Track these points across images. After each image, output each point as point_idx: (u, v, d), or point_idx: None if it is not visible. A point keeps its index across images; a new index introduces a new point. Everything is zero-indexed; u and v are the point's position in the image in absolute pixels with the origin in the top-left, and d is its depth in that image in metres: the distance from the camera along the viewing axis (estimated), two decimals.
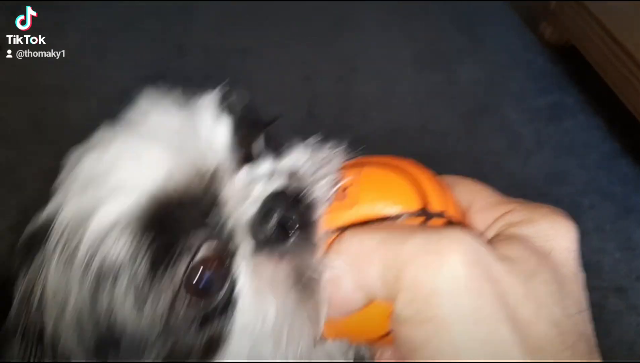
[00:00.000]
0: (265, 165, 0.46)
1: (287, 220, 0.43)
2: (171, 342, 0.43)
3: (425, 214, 0.39)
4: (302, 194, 0.44)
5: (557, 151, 2.11)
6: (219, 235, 0.44)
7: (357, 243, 0.38)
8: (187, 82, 0.52)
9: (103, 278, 0.42)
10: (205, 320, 0.43)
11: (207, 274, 0.43)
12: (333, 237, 0.40)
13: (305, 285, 0.41)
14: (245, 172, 0.46)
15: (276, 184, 0.44)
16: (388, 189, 0.40)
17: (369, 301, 0.38)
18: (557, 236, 0.39)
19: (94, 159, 0.46)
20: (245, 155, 0.49)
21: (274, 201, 0.43)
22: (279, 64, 2.36)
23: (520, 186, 1.83)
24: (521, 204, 0.42)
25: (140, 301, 0.42)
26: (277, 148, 0.50)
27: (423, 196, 0.39)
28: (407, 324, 0.36)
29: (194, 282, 0.43)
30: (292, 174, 0.45)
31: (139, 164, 0.44)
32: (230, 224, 0.44)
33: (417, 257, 0.36)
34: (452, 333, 0.34)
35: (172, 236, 0.42)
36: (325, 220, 0.41)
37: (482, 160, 2.03)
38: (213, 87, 0.52)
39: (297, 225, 0.42)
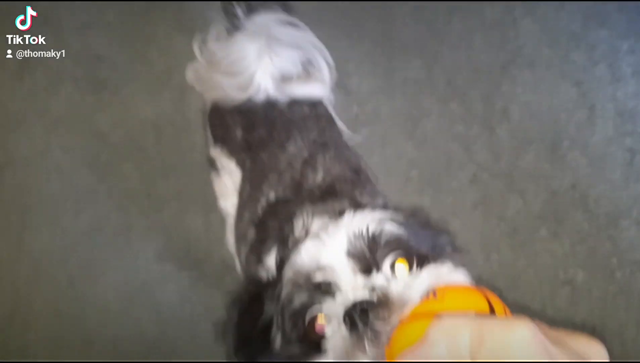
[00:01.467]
0: (373, 279, 0.76)
1: (366, 310, 0.70)
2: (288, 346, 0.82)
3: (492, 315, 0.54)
4: (385, 302, 0.70)
5: None
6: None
7: (450, 320, 0.50)
8: None
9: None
10: (315, 345, 0.77)
11: (319, 325, 0.77)
12: (422, 320, 0.54)
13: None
14: (357, 279, 0.76)
15: (367, 294, 0.73)
16: (467, 296, 0.57)
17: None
18: (593, 348, 0.50)
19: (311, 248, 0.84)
20: (367, 267, 0.78)
21: (364, 302, 0.71)
22: None
23: (555, 30, 1.84)
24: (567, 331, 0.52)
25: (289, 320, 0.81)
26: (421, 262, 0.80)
27: (491, 305, 0.55)
28: None
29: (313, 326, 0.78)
30: (386, 291, 0.73)
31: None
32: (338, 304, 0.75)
33: (498, 325, 0.47)
34: None
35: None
36: (418, 309, 0.59)
37: None
38: None
39: (371, 313, 0.69)
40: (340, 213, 0.90)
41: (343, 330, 0.72)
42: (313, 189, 1.29)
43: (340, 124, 1.63)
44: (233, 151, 1.52)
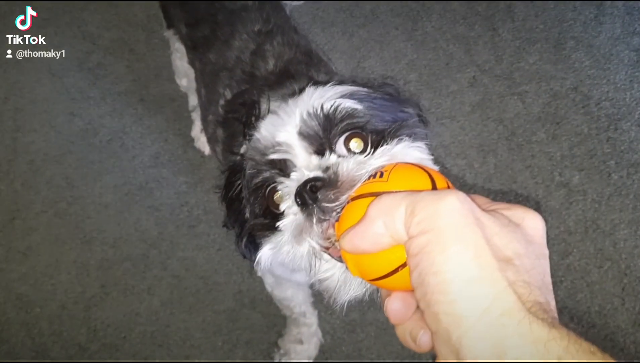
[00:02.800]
0: (325, 159, 0.76)
1: (316, 189, 0.71)
2: (253, 218, 0.87)
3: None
4: (334, 181, 0.71)
5: None
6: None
7: (388, 198, 0.52)
8: None
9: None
10: (273, 218, 0.80)
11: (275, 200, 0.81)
12: (368, 199, 0.57)
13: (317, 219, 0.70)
14: (311, 159, 0.78)
15: (318, 174, 0.74)
16: (410, 175, 0.59)
17: (394, 243, 0.51)
18: (528, 218, 0.52)
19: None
20: (321, 147, 0.79)
21: (313, 180, 0.72)
22: None
23: None
24: (506, 203, 0.55)
25: (250, 196, 0.85)
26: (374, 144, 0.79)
27: (433, 181, 0.57)
28: (414, 238, 0.49)
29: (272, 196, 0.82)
30: (335, 171, 0.73)
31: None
32: (292, 182, 0.76)
33: (429, 196, 0.50)
34: (445, 237, 0.47)
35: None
36: (365, 189, 0.61)
37: None
38: None
39: (320, 193, 0.70)
40: (301, 91, 0.89)
41: (294, 207, 0.74)
42: (267, 76, 1.29)
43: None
44: (182, 39, 1.58)
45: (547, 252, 0.52)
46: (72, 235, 1.97)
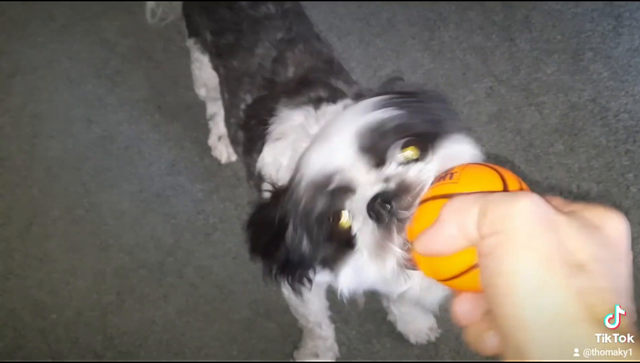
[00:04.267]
0: (386, 171, 0.75)
1: (388, 201, 0.71)
2: (317, 247, 0.84)
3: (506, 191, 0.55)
4: (402, 189, 0.71)
5: None
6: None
7: (460, 200, 0.51)
8: None
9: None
10: (345, 243, 0.78)
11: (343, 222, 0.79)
12: (439, 201, 0.57)
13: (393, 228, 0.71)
14: (372, 174, 0.76)
15: (384, 186, 0.74)
16: (481, 175, 0.57)
17: (467, 244, 0.50)
18: (609, 218, 0.48)
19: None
20: (379, 160, 0.77)
21: (384, 192, 0.72)
22: None
23: None
24: (585, 203, 0.52)
25: (312, 228, 0.83)
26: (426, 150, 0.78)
27: (505, 183, 0.56)
28: (485, 238, 0.47)
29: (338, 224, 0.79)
30: (402, 180, 0.72)
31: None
32: (359, 200, 0.76)
33: (501, 199, 0.48)
34: (515, 240, 0.45)
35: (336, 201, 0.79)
36: (435, 191, 0.59)
37: None
38: None
39: (393, 203, 0.70)
40: (318, 100, 0.90)
41: (369, 224, 0.73)
42: (286, 83, 1.30)
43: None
44: (206, 49, 1.61)
45: (630, 256, 0.49)
46: (89, 241, 1.98)
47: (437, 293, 0.72)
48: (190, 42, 1.72)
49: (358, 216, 0.75)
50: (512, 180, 0.57)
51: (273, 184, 0.96)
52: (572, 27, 2.22)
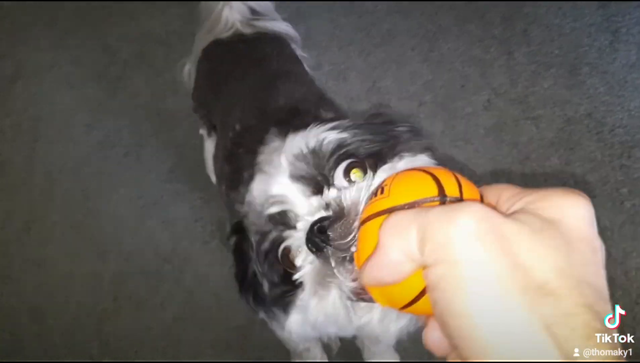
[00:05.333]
0: (325, 196, 0.70)
1: (323, 230, 0.65)
2: (273, 288, 0.78)
3: (442, 198, 0.50)
4: (340, 215, 0.65)
5: None
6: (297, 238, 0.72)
7: (396, 219, 0.46)
8: None
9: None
10: (290, 277, 0.72)
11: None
12: (375, 220, 0.52)
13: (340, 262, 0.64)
14: (311, 202, 0.71)
15: (322, 213, 0.69)
16: (411, 182, 0.53)
17: (416, 268, 0.45)
18: (568, 206, 0.43)
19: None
20: (317, 183, 0.73)
21: (319, 221, 0.67)
22: None
23: None
24: (541, 189, 0.46)
25: (263, 265, 0.77)
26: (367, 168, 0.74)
27: (440, 186, 0.50)
28: (429, 268, 0.43)
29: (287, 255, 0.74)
30: (338, 204, 0.67)
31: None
32: (299, 231, 0.71)
33: (438, 218, 0.43)
34: (460, 272, 0.41)
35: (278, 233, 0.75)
36: (367, 211, 0.54)
37: None
38: None
39: (329, 231, 0.64)
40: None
41: (310, 256, 0.68)
42: (276, 113, 1.26)
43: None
44: (203, 117, 1.64)
45: (598, 244, 0.43)
46: (87, 247, 1.99)
47: (397, 324, 0.67)
48: (199, 120, 1.76)
49: (301, 249, 0.70)
50: (449, 182, 0.52)
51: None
52: (570, 42, 2.24)
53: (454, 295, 0.41)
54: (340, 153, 0.75)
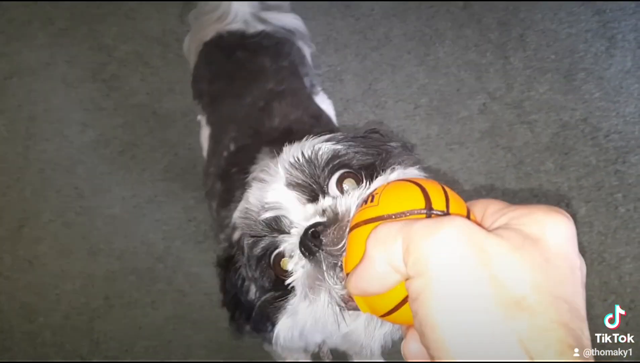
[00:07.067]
0: (320, 203, 0.72)
1: (317, 235, 0.66)
2: (264, 294, 0.80)
3: (428, 212, 0.51)
4: (333, 221, 0.67)
5: None
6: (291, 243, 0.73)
7: (383, 230, 0.48)
8: None
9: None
10: (286, 287, 0.74)
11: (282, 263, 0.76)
12: (363, 227, 0.54)
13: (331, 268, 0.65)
14: (307, 209, 0.73)
15: (317, 219, 0.70)
16: (400, 192, 0.54)
17: (400, 279, 0.47)
18: (550, 224, 0.44)
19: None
20: (313, 191, 0.76)
21: (314, 226, 0.68)
22: None
23: None
24: (525, 205, 0.48)
25: (255, 270, 0.79)
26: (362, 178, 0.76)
27: (428, 199, 0.52)
28: (411, 280, 0.44)
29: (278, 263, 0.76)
30: (332, 211, 0.69)
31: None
32: (293, 237, 0.72)
33: (422, 231, 0.44)
34: (439, 285, 0.42)
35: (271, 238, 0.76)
36: (356, 218, 0.56)
37: None
38: None
39: (322, 237, 0.66)
40: None
41: (303, 260, 0.70)
42: (270, 133, 1.29)
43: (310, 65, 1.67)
44: (204, 107, 1.61)
45: (577, 263, 0.44)
46: (79, 245, 1.98)
47: (381, 330, 0.68)
48: (196, 105, 1.71)
49: (293, 253, 0.72)
50: (437, 195, 0.53)
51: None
52: (566, 47, 2.24)
53: (432, 307, 0.42)
54: (334, 163, 0.78)
